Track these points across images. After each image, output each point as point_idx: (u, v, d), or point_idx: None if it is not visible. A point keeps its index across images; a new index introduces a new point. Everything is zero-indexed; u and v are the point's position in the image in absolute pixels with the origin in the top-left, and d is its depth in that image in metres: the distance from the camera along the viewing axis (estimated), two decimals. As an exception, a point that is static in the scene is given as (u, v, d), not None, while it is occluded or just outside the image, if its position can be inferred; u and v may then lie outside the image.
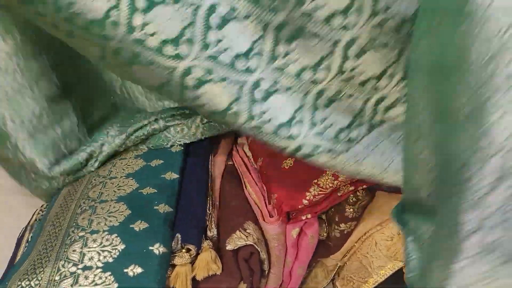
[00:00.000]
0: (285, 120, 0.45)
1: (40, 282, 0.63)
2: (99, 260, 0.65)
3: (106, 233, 0.69)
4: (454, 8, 0.32)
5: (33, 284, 0.63)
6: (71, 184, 0.83)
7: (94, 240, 0.68)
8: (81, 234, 0.69)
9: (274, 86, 0.43)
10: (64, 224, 0.72)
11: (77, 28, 0.39)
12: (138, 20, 0.38)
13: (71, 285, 0.62)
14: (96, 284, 0.62)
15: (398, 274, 0.63)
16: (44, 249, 0.69)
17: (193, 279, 0.69)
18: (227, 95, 0.41)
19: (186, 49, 0.39)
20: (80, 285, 0.62)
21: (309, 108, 0.45)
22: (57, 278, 0.63)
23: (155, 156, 0.89)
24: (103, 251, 0.66)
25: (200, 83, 0.40)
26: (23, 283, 0.63)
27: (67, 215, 0.74)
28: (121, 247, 0.66)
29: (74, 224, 0.71)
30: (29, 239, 0.78)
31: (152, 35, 0.38)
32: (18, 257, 0.78)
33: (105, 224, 0.70)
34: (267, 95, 0.43)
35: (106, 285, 0.62)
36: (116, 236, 0.68)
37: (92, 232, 0.69)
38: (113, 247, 0.67)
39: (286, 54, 0.43)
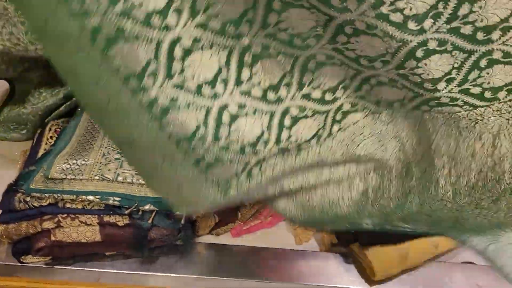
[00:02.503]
0: (253, 140, 0.47)
1: (87, 162, 0.74)
2: (140, 152, 0.77)
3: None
4: None
5: (79, 163, 0.73)
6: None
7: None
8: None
9: (240, 109, 0.43)
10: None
11: None
12: None
13: (116, 168, 0.73)
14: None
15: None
16: (85, 139, 0.79)
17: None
18: (194, 120, 0.41)
19: (150, 82, 0.39)
20: (124, 169, 0.74)
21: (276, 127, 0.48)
22: (102, 161, 0.74)
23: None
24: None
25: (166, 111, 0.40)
26: (70, 162, 0.73)
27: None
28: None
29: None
30: (57, 133, 0.86)
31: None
32: (42, 148, 0.86)
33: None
34: (234, 118, 0.43)
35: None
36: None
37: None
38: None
39: (250, 78, 0.42)
